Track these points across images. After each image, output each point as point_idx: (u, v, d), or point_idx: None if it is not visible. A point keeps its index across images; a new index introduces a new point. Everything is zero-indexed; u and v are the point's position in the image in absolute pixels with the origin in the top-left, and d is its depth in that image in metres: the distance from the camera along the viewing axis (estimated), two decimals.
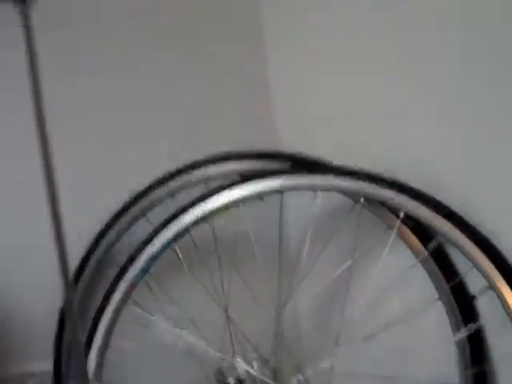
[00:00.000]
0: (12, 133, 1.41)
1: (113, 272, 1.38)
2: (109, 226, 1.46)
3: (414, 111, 1.33)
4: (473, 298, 1.26)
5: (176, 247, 1.35)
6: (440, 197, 1.23)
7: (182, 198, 1.39)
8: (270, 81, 1.50)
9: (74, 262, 1.48)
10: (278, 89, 1.47)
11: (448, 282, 1.27)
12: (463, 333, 1.25)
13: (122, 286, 1.33)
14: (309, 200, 1.30)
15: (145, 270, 1.33)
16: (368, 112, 1.37)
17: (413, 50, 1.30)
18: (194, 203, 1.32)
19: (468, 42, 1.21)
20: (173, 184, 1.41)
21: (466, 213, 1.21)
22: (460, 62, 1.24)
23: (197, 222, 1.31)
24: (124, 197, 1.45)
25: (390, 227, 1.28)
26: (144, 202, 1.43)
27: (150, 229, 1.35)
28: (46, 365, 1.52)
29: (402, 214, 1.25)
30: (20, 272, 1.51)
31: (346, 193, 1.30)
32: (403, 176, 1.26)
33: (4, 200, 1.46)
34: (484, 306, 1.25)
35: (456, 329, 1.27)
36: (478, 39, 1.19)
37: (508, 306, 1.14)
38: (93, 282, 1.51)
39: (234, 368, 1.34)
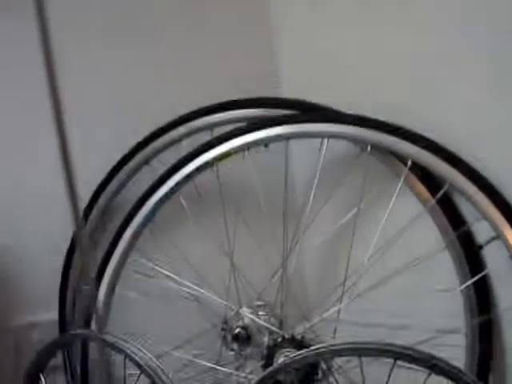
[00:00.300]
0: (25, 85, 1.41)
1: (117, 219, 1.38)
2: (113, 173, 1.45)
3: (419, 57, 1.30)
4: (480, 247, 1.25)
5: (180, 196, 1.34)
6: (448, 146, 1.21)
7: (187, 145, 1.39)
8: (272, 29, 1.47)
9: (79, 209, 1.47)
10: (282, 37, 1.44)
11: (455, 230, 1.26)
12: (469, 282, 1.24)
13: (128, 232, 1.34)
14: (314, 148, 1.29)
15: (149, 218, 1.33)
16: (373, 59, 1.35)
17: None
18: (198, 150, 1.31)
19: None
20: (177, 131, 1.40)
21: (475, 162, 1.20)
22: None
23: (201, 169, 1.31)
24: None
25: (398, 175, 1.27)
26: (148, 150, 1.42)
27: (154, 176, 1.35)
28: (50, 315, 1.53)
29: (409, 162, 1.23)
30: (27, 220, 1.51)
31: (352, 140, 1.29)
32: (410, 125, 1.24)
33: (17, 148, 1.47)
34: (491, 255, 1.25)
35: (462, 278, 1.26)
36: None
37: None
38: (98, 230, 1.51)
39: (239, 316, 1.34)
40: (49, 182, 1.21)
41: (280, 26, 1.39)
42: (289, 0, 1.40)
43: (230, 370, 1.34)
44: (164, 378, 1.11)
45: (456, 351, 1.26)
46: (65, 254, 1.49)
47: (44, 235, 1.52)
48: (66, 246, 1.48)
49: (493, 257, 1.24)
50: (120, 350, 1.15)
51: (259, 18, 1.46)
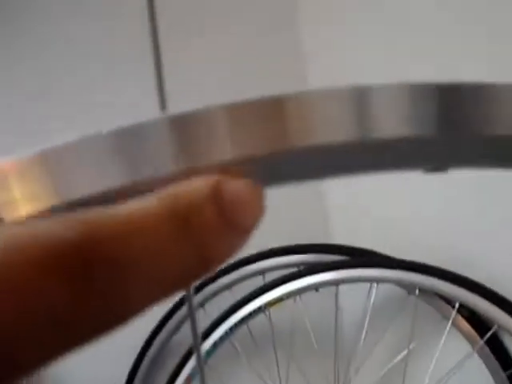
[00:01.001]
0: None
1: (171, 364, 1.41)
2: (167, 317, 1.50)
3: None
4: None
5: (234, 340, 1.38)
6: (494, 287, 1.25)
7: (239, 290, 1.43)
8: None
9: (132, 354, 1.52)
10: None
11: (505, 370, 1.28)
12: None
13: (182, 377, 1.36)
14: (364, 290, 1.34)
15: (203, 362, 1.36)
16: (418, 207, 1.41)
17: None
18: (251, 296, 1.36)
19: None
20: (230, 276, 1.45)
21: None
22: None
23: (254, 314, 1.35)
24: None
25: (445, 317, 1.31)
26: (202, 294, 1.47)
27: (208, 321, 1.39)
28: None
29: (457, 305, 1.27)
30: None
31: (400, 284, 1.33)
32: (454, 267, 1.29)
33: None
34: None
35: None
36: None
37: None
38: (151, 376, 1.53)
39: None
40: None
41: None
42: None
43: None
44: None
45: None
46: None
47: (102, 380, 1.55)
48: None
49: None
50: None
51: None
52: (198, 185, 0.20)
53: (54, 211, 0.21)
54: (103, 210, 0.18)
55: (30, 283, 0.16)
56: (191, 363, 1.37)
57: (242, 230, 0.21)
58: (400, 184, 1.41)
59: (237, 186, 0.21)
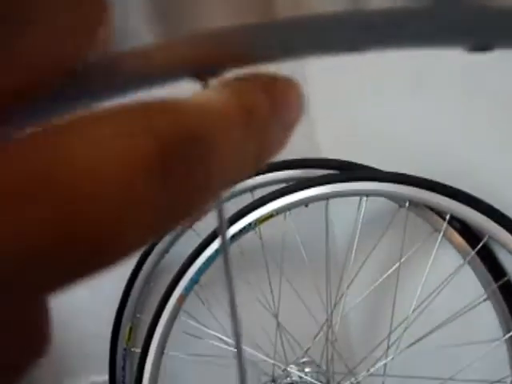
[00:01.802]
0: None
1: (163, 282, 1.43)
2: (158, 237, 1.50)
3: (452, 114, 1.35)
4: None
5: None
6: (485, 198, 1.25)
7: (228, 208, 1.43)
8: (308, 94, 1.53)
9: (125, 274, 1.53)
10: (318, 101, 1.49)
11: (496, 281, 1.29)
12: None
13: (174, 295, 1.37)
14: (354, 205, 1.34)
15: (194, 281, 1.37)
16: (407, 116, 1.40)
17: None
18: (241, 213, 1.35)
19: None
20: None
21: (510, 211, 1.24)
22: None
23: (244, 231, 1.35)
24: None
25: (437, 229, 1.31)
26: None
27: (198, 239, 1.39)
28: (102, 377, 1.57)
29: (448, 217, 1.27)
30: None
31: (391, 197, 1.33)
32: (444, 178, 1.28)
33: None
34: None
35: (506, 327, 1.29)
36: None
37: None
38: (144, 294, 1.55)
39: (287, 374, 1.37)
40: None
41: (317, 89, 1.44)
42: (325, 70, 1.44)
43: None
44: None
45: None
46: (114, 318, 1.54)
47: (93, 301, 1.57)
48: (114, 310, 1.54)
49: None
50: None
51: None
52: (250, 80, 0.21)
53: None
54: (178, 100, 0.18)
55: (135, 177, 0.16)
56: (183, 283, 1.38)
57: (289, 128, 0.22)
58: (389, 96, 1.39)
59: (285, 84, 0.22)
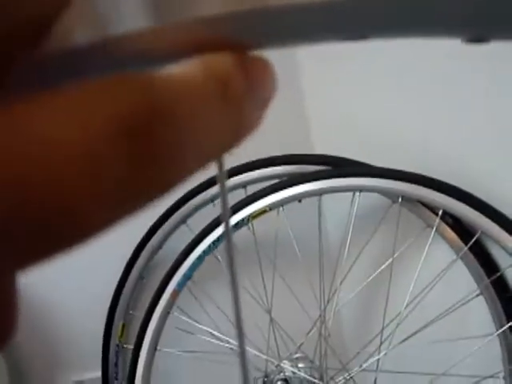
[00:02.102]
0: None
1: (156, 278, 1.43)
2: (151, 233, 1.50)
3: (445, 108, 1.35)
4: None
5: (217, 253, 1.39)
6: (477, 194, 1.26)
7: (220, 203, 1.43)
8: (302, 89, 1.53)
9: (118, 267, 1.54)
10: (312, 98, 1.50)
11: (488, 276, 1.29)
12: (505, 326, 1.27)
13: (168, 291, 1.38)
14: (346, 200, 1.34)
15: (188, 276, 1.38)
16: (399, 112, 1.40)
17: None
18: (234, 209, 1.36)
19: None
20: (212, 190, 1.44)
21: (505, 208, 1.24)
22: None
23: (237, 227, 1.35)
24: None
25: (429, 225, 1.31)
26: (184, 209, 1.47)
27: (191, 235, 1.39)
28: (95, 373, 1.58)
29: (440, 212, 1.28)
30: (72, 283, 1.56)
31: (383, 193, 1.33)
32: (437, 174, 1.29)
33: None
34: None
35: (498, 323, 1.29)
36: None
37: None
38: (137, 289, 1.56)
39: (280, 369, 1.37)
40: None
41: (311, 87, 1.44)
42: (317, 66, 1.44)
43: None
44: None
45: None
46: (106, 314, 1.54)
47: (86, 298, 1.58)
48: (107, 306, 1.54)
49: None
50: None
51: (290, 81, 1.51)
52: (225, 57, 0.21)
53: None
54: (153, 72, 0.18)
55: (95, 145, 0.16)
56: (176, 279, 1.39)
57: (264, 105, 0.22)
58: (382, 92, 1.39)
59: (259, 62, 0.22)
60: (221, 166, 0.26)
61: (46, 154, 0.15)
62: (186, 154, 0.18)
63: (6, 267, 0.16)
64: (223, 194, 0.29)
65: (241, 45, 0.21)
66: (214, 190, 1.45)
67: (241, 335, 0.31)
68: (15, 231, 0.15)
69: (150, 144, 0.17)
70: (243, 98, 0.21)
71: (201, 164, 0.20)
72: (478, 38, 0.21)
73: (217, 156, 0.21)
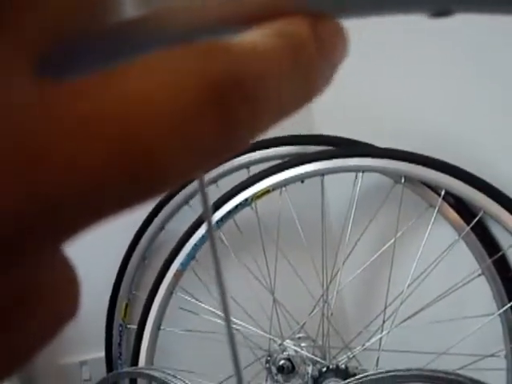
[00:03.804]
0: None
1: (159, 259, 1.45)
2: (153, 214, 1.53)
3: (448, 88, 1.37)
4: None
5: (221, 233, 1.41)
6: (479, 174, 1.28)
7: (224, 185, 1.45)
8: None
9: (121, 248, 1.56)
10: None
11: (490, 256, 1.31)
12: (507, 306, 1.30)
13: (171, 271, 1.40)
14: (349, 181, 1.36)
15: (191, 256, 1.40)
16: (401, 93, 1.42)
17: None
18: (237, 189, 1.38)
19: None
20: (215, 171, 1.46)
21: (508, 189, 1.26)
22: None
23: (240, 207, 1.38)
24: None
25: (432, 205, 1.34)
26: (187, 190, 1.49)
27: (194, 216, 1.41)
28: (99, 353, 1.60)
29: (442, 192, 1.30)
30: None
31: (386, 173, 1.35)
32: (439, 154, 1.31)
33: None
34: None
35: (500, 302, 1.32)
36: None
37: None
38: (139, 271, 1.58)
39: (283, 349, 1.39)
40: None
41: None
42: None
43: None
44: None
45: (497, 374, 1.31)
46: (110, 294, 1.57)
47: (89, 279, 1.60)
48: (110, 287, 1.57)
49: None
50: None
51: None
52: (297, 22, 0.21)
53: None
54: (228, 41, 0.19)
55: (187, 108, 0.17)
56: (179, 259, 1.41)
57: (334, 66, 0.23)
58: (385, 73, 1.41)
59: (331, 26, 0.22)
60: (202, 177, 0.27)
61: (143, 109, 0.16)
62: (260, 117, 0.19)
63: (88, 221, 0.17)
64: (204, 202, 0.30)
65: (313, 11, 0.22)
66: (216, 171, 1.47)
67: (230, 330, 0.33)
68: (108, 185, 0.16)
69: (233, 108, 0.18)
70: (314, 61, 0.21)
71: (274, 123, 0.21)
72: (442, 11, 0.22)
73: (288, 115, 0.21)
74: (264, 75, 0.19)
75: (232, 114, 0.18)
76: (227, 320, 0.34)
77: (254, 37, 0.20)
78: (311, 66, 0.21)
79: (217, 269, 0.32)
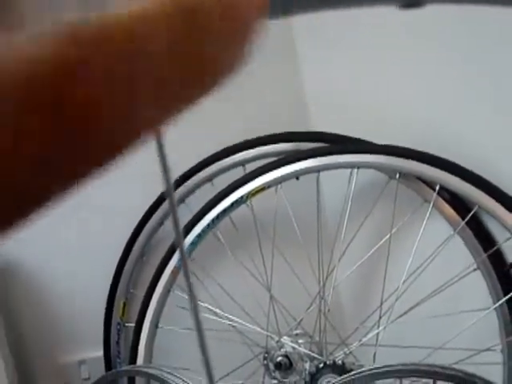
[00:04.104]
0: None
1: (156, 257, 1.46)
2: (151, 212, 1.53)
3: (443, 85, 1.38)
4: (510, 265, 1.32)
5: (218, 231, 1.42)
6: (474, 169, 1.28)
7: (220, 182, 1.46)
8: (299, 68, 1.55)
9: (119, 246, 1.56)
10: (308, 76, 1.51)
11: (485, 251, 1.32)
12: (502, 300, 1.31)
13: (168, 269, 1.41)
14: (344, 177, 1.37)
15: (188, 254, 1.40)
16: (397, 89, 1.42)
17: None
18: (233, 186, 1.38)
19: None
20: (210, 169, 1.47)
21: (502, 183, 1.27)
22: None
23: (236, 205, 1.38)
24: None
25: (427, 200, 1.34)
26: (183, 189, 1.49)
27: (190, 214, 1.42)
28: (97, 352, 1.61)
29: (437, 187, 1.31)
30: (76, 266, 1.59)
31: (381, 169, 1.36)
32: (434, 149, 1.31)
33: None
34: None
35: (495, 296, 1.33)
36: None
37: None
38: (137, 269, 1.59)
39: (280, 345, 1.40)
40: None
41: (306, 66, 1.46)
42: (313, 44, 1.46)
43: None
44: None
45: (493, 368, 1.32)
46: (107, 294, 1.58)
47: (87, 278, 1.61)
48: (108, 285, 1.57)
49: None
50: None
51: (286, 59, 1.52)
52: None
53: None
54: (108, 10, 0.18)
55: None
56: (177, 256, 1.41)
57: (243, 23, 0.21)
58: (380, 69, 1.42)
59: None
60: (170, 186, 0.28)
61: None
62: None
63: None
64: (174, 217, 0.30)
65: None
66: (212, 169, 1.48)
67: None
68: None
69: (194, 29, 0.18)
70: (214, 24, 0.20)
71: (175, 99, 0.20)
72: (412, 2, 0.23)
73: (192, 99, 0.20)
74: (149, 37, 0.18)
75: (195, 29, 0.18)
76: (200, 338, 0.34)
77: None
78: (209, 28, 0.20)
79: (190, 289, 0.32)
